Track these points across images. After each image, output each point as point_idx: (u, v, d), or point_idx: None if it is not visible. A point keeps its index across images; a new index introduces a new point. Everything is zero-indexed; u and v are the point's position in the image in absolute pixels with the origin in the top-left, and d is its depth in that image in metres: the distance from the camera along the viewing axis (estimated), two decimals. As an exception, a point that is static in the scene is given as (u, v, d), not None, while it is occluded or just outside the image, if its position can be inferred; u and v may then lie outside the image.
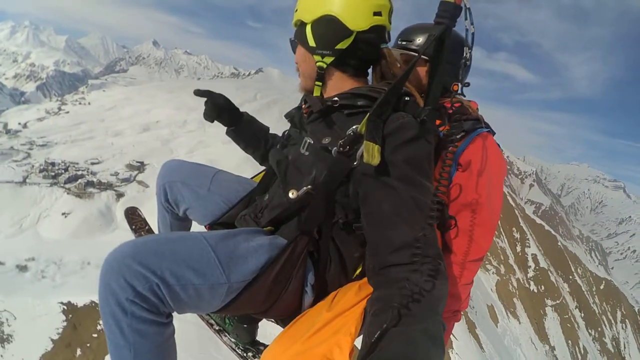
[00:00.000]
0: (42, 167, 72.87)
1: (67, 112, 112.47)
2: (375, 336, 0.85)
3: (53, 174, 71.89)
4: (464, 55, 1.50)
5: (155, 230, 1.93)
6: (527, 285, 55.76)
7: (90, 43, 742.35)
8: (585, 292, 67.60)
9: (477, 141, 1.42)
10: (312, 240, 1.23)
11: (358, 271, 1.29)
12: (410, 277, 0.95)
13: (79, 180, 70.96)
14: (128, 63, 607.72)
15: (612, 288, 79.16)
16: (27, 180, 68.94)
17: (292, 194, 1.22)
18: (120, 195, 71.04)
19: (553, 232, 77.04)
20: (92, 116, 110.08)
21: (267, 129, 1.80)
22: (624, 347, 70.27)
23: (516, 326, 46.36)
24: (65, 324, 27.15)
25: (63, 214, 62.72)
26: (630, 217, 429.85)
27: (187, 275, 1.05)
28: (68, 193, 67.62)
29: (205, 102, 1.65)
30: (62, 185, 69.45)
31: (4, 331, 28.06)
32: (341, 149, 1.13)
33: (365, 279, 1.19)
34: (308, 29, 1.25)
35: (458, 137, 1.39)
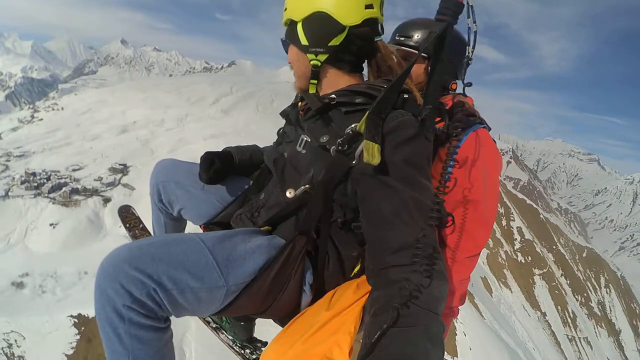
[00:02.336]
0: (23, 179, 70.77)
1: (41, 120, 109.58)
2: (375, 336, 0.85)
3: (35, 184, 70.15)
4: (466, 54, 1.50)
5: (149, 229, 1.96)
6: (515, 257, 58.14)
7: (56, 46, 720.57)
8: (569, 261, 70.24)
9: (473, 137, 1.44)
10: (310, 240, 1.21)
11: (356, 269, 1.29)
12: (410, 278, 0.94)
13: (63, 189, 69.48)
14: (97, 64, 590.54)
15: (594, 255, 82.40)
16: (9, 194, 67.06)
17: (289, 194, 1.21)
18: (107, 200, 70.04)
19: (534, 206, 79.94)
20: (67, 121, 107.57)
21: (255, 146, 1.79)
22: (610, 310, 73.65)
23: (509, 295, 48.66)
24: (78, 337, 26.34)
25: (51, 224, 61.31)
26: (605, 188, 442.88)
27: (184, 279, 1.03)
28: (53, 203, 66.21)
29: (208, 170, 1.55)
30: (46, 195, 67.87)
31: (14, 353, 27.03)
32: (340, 147, 1.12)
33: (363, 277, 1.19)
34: (299, 27, 1.23)
35: (454, 133, 1.41)
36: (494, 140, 1.51)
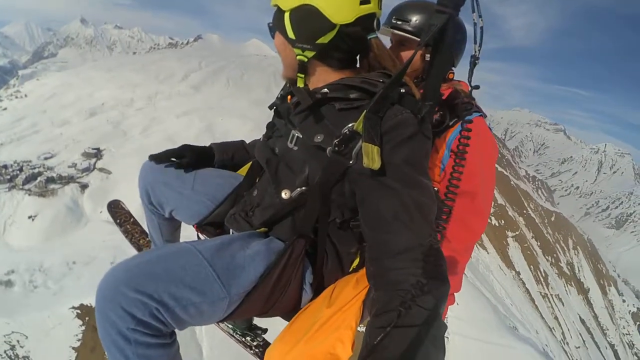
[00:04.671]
0: (-6, 173, 68.68)
1: (5, 109, 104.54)
2: (375, 337, 0.85)
3: (8, 176, 67.45)
4: (474, 53, 1.38)
5: (140, 222, 1.91)
6: (489, 220, 61.16)
7: (13, 31, 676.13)
8: (539, 224, 73.72)
9: (469, 127, 1.38)
10: (308, 241, 1.19)
11: (355, 264, 1.29)
12: (411, 279, 0.93)
13: (38, 179, 67.31)
14: (57, 46, 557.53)
15: (562, 219, 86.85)
16: (-19, 190, 64.42)
17: (285, 195, 1.18)
18: (84, 186, 68.46)
19: (505, 173, 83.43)
20: (33, 109, 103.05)
21: (241, 143, 1.75)
22: (578, 270, 78.11)
23: (485, 256, 51.54)
24: (83, 328, 25.32)
25: (29, 217, 59.19)
26: (571, 157, 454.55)
27: (186, 295, 1.01)
28: (29, 194, 64.06)
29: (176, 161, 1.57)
30: (21, 187, 65.35)
31: (18, 354, 25.75)
32: (336, 148, 1.08)
33: (362, 271, 1.19)
34: (286, 17, 1.13)
35: (451, 123, 1.39)
36: (490, 128, 1.50)
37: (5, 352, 26.30)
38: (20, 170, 70.41)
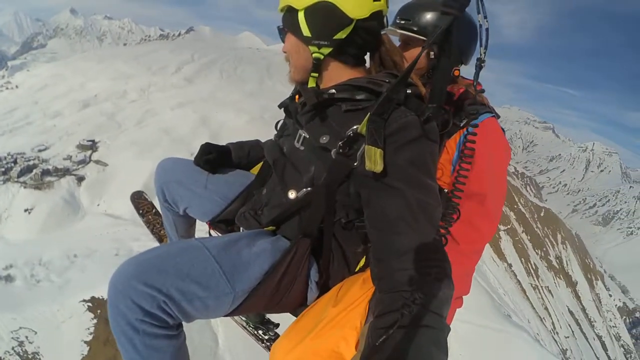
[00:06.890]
0: (-13, 166, 67.98)
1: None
2: (378, 338, 0.84)
3: (3, 169, 66.73)
4: (479, 56, 1.31)
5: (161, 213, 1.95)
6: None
7: (1, 21, 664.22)
8: (529, 219, 75.18)
9: (481, 128, 1.33)
10: (313, 240, 1.20)
11: (361, 264, 1.29)
12: (415, 281, 0.93)
13: (34, 171, 65.97)
14: (46, 37, 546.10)
15: (551, 215, 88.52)
16: (-25, 183, 64.31)
17: (291, 195, 1.20)
18: (80, 179, 67.29)
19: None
20: (24, 100, 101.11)
21: (257, 141, 1.76)
22: (567, 264, 79.91)
23: (479, 248, 53.28)
24: (95, 321, 23.38)
25: (25, 210, 57.85)
26: (560, 155, 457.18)
27: (192, 290, 1.05)
28: (25, 187, 62.72)
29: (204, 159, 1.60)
30: (16, 180, 64.42)
31: (27, 350, 23.71)
32: (341, 150, 1.08)
33: (369, 271, 1.16)
34: (301, 16, 1.13)
35: (462, 124, 1.37)
36: (503, 130, 1.48)
37: (13, 348, 24.50)
38: (15, 162, 68.99)
